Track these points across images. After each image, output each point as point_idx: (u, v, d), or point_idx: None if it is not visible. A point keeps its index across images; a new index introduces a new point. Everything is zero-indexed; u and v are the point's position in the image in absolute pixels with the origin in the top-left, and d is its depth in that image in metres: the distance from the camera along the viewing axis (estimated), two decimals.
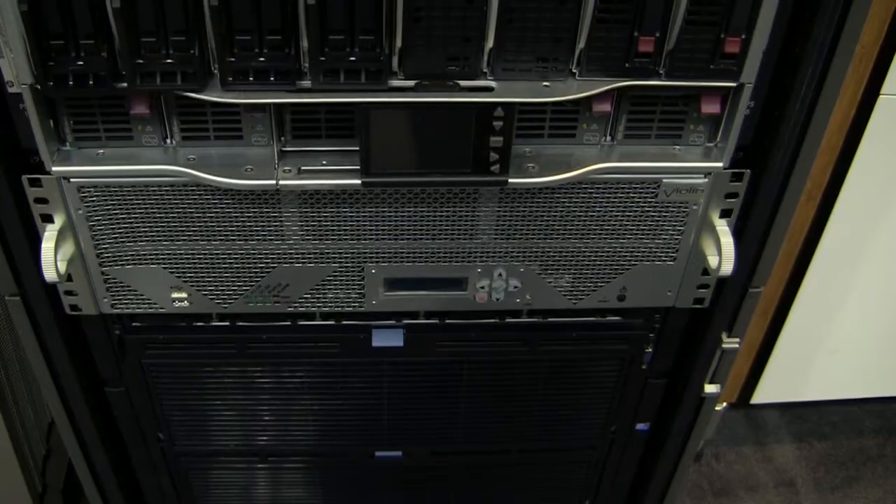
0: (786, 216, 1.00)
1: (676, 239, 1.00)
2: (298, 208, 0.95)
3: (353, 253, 0.99)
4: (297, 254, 0.99)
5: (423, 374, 1.16)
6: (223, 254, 0.98)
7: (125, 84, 0.82)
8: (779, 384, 1.87)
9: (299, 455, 1.28)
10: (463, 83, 0.85)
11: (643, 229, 0.99)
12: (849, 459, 1.93)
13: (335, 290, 1.02)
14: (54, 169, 0.88)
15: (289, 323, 1.09)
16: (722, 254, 0.96)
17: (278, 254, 0.99)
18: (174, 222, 0.95)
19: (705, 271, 1.02)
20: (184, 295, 1.02)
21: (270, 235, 0.97)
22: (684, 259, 1.02)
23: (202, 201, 0.94)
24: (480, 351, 1.13)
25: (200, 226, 0.96)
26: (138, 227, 0.95)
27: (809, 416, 2.02)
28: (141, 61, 0.81)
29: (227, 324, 1.08)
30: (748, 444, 1.96)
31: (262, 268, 1.00)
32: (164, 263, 0.99)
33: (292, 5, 0.79)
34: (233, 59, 0.81)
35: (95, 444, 1.18)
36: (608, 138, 0.94)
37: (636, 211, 0.97)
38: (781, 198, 0.99)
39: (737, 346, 1.11)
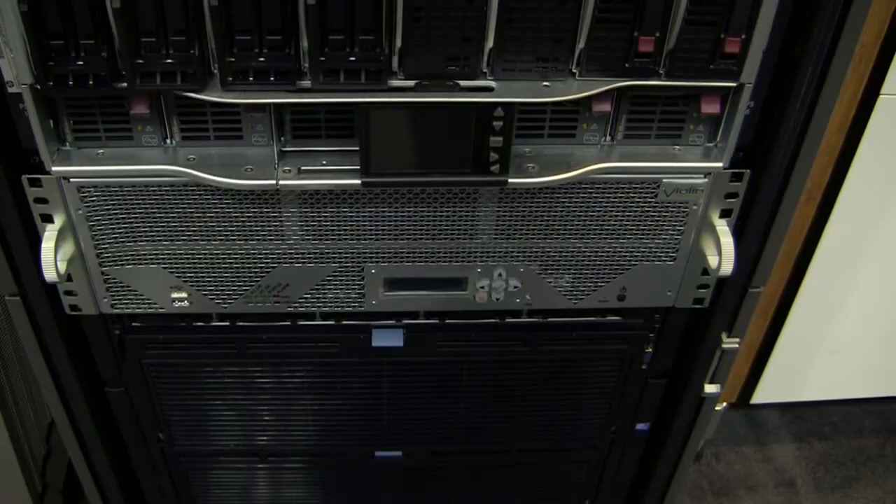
0: (786, 216, 1.00)
1: (676, 239, 1.00)
2: (298, 208, 0.95)
3: (353, 253, 0.99)
4: (297, 254, 0.99)
5: (423, 374, 1.16)
6: (223, 254, 0.98)
7: (125, 84, 0.82)
8: (779, 384, 1.87)
9: (299, 455, 1.28)
10: (463, 83, 0.85)
11: (643, 229, 0.99)
12: (849, 459, 1.93)
13: (335, 290, 1.02)
14: (54, 169, 0.88)
15: (289, 323, 1.09)
16: (722, 254, 0.96)
17: (278, 254, 0.99)
18: (174, 222, 0.95)
19: (705, 271, 1.02)
20: (184, 295, 1.02)
21: (270, 235, 0.97)
22: (684, 259, 1.02)
23: (202, 201, 0.94)
24: (480, 351, 1.13)
25: (200, 226, 0.96)
26: (138, 227, 0.95)
27: (809, 416, 2.02)
28: (141, 61, 0.81)
29: (227, 324, 1.08)
30: (748, 444, 1.96)
31: (262, 268, 1.00)
32: (164, 263, 0.99)
33: (292, 5, 0.79)
34: (233, 59, 0.81)
35: (95, 444, 1.18)
36: (608, 138, 0.94)
37: (636, 211, 0.97)
38: (781, 198, 0.99)
39: (737, 346, 1.11)
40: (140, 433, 1.21)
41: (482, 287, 1.03)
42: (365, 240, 0.98)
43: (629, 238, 1.00)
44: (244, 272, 1.00)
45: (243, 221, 0.95)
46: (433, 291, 1.03)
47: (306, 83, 0.84)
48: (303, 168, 0.90)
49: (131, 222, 0.95)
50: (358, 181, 0.90)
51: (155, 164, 0.90)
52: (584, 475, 1.35)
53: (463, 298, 1.04)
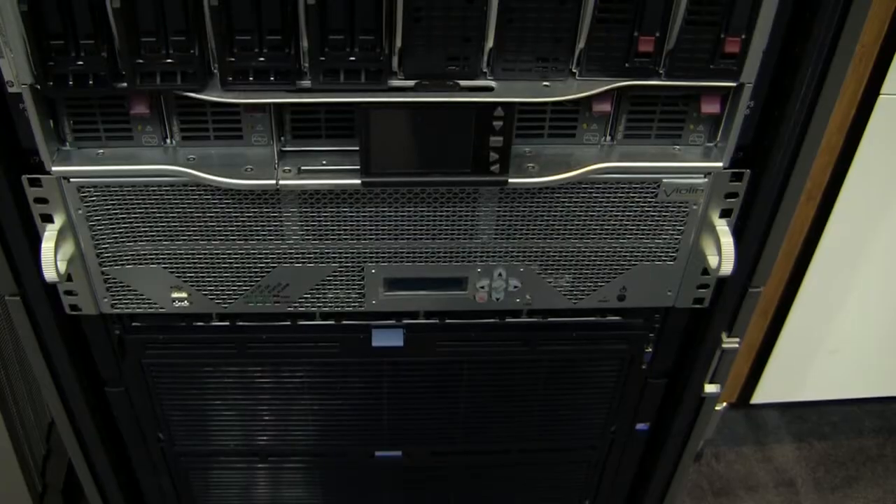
0: (786, 216, 1.00)
1: (676, 239, 1.00)
2: (298, 208, 0.95)
3: (353, 253, 0.99)
4: (297, 254, 0.99)
5: (423, 374, 1.16)
6: (223, 254, 0.98)
7: (125, 84, 0.82)
8: (779, 384, 1.87)
9: (299, 455, 1.28)
10: (463, 83, 0.85)
11: (643, 229, 0.99)
12: (849, 459, 1.93)
13: (335, 289, 1.02)
14: (54, 169, 0.88)
15: (289, 323, 1.09)
16: (722, 254, 0.96)
17: (278, 254, 0.99)
18: (174, 222, 0.95)
19: (705, 271, 1.02)
20: (184, 295, 1.02)
21: (270, 235, 0.97)
22: (684, 259, 1.02)
23: (202, 201, 0.94)
24: (480, 351, 1.13)
25: (200, 226, 0.96)
26: (138, 227, 0.95)
27: (809, 416, 2.02)
28: (141, 61, 0.81)
29: (227, 324, 1.08)
30: (748, 444, 1.96)
31: (262, 268, 1.00)
32: (164, 263, 0.99)
33: (292, 5, 0.79)
34: (233, 59, 0.81)
35: (95, 444, 1.18)
36: (608, 138, 0.94)
37: (636, 211, 0.97)
38: (781, 198, 0.99)
39: (737, 346, 1.11)
40: (140, 433, 1.21)
41: (482, 287, 1.03)
42: (365, 240, 0.98)
43: (629, 238, 1.00)
44: (244, 272, 1.00)
45: (243, 221, 0.95)
46: (433, 291, 1.03)
47: (306, 83, 0.84)
48: (303, 168, 0.90)
49: (131, 222, 0.95)
50: (358, 181, 0.90)
51: (155, 164, 0.90)
52: (584, 475, 1.35)
53: (463, 298, 1.04)
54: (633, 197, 0.96)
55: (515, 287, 1.03)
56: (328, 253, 0.99)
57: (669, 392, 1.21)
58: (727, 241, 0.96)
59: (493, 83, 0.85)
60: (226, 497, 1.34)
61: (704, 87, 0.88)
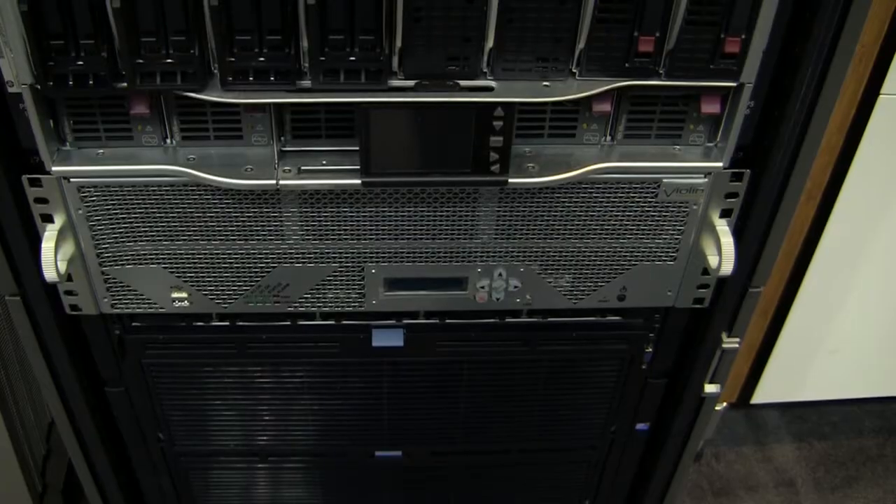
0: (786, 216, 1.00)
1: (676, 239, 1.00)
2: (298, 208, 0.95)
3: (353, 253, 0.99)
4: (297, 254, 0.99)
5: (423, 374, 1.16)
6: (223, 254, 0.98)
7: (125, 84, 0.82)
8: (779, 384, 1.87)
9: (299, 455, 1.28)
10: (463, 83, 0.85)
11: (643, 229, 0.99)
12: (849, 459, 1.93)
13: (335, 290, 1.02)
14: (54, 169, 0.88)
15: (289, 323, 1.09)
16: (722, 254, 0.96)
17: (278, 254, 0.99)
18: (174, 222, 0.95)
19: (705, 271, 1.02)
20: (184, 295, 1.02)
21: (270, 235, 0.97)
22: (684, 259, 1.02)
23: (202, 201, 0.94)
24: (480, 351, 1.13)
25: (200, 226, 0.96)
26: (138, 227, 0.95)
27: (809, 416, 2.02)
28: (141, 61, 0.81)
29: (227, 324, 1.08)
30: (748, 444, 1.96)
31: (262, 268, 1.00)
32: (164, 263, 0.99)
33: (292, 5, 0.79)
34: (233, 59, 0.81)
35: (95, 444, 1.18)
36: (608, 138, 0.94)
37: (636, 211, 0.97)
38: (781, 198, 0.99)
39: (737, 345, 1.11)
40: (140, 433, 1.21)
41: (482, 287, 1.03)
42: (365, 240, 0.98)
43: (629, 238, 1.00)
44: (244, 272, 1.00)
45: (243, 221, 0.95)
46: (433, 291, 1.03)
47: (306, 83, 0.84)
48: (303, 168, 0.90)
49: (131, 222, 0.95)
50: (358, 181, 0.90)
51: (155, 164, 0.90)
52: (584, 475, 1.35)
53: (463, 298, 1.04)
54: (633, 197, 0.96)
55: (515, 287, 1.03)
56: (328, 253, 0.99)
57: (669, 392, 1.21)
58: (727, 241, 0.96)
59: (493, 83, 0.85)
60: (226, 497, 1.34)
61: (704, 87, 0.88)
